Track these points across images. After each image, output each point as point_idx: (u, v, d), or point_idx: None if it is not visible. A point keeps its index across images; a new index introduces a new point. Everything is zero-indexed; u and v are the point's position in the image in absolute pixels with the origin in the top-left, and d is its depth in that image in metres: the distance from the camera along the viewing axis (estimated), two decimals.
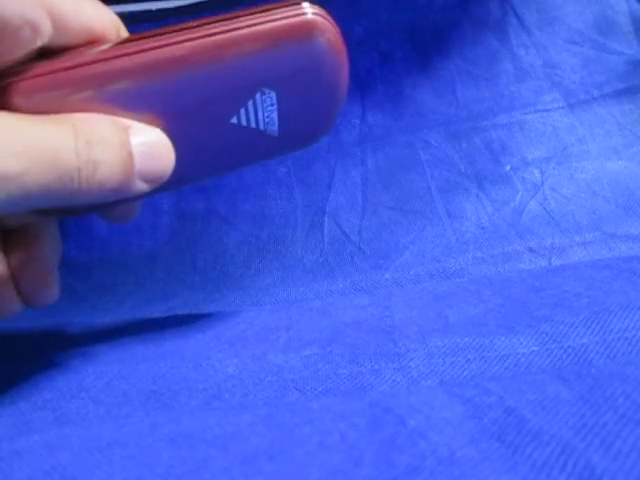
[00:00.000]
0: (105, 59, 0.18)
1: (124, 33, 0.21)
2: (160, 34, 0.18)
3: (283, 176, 0.36)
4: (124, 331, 0.26)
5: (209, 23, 0.19)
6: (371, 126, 0.37)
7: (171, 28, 0.19)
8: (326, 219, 0.34)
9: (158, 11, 0.32)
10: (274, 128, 0.21)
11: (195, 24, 0.19)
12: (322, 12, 0.20)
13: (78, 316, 0.31)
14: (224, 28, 0.19)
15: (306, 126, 0.22)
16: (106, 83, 0.18)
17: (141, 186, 0.19)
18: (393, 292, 0.28)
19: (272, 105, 0.20)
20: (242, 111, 0.20)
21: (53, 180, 0.16)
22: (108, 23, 0.19)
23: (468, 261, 0.31)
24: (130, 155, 0.18)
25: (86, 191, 0.17)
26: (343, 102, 0.22)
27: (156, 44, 0.18)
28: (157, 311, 0.31)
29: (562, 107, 0.36)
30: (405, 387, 0.18)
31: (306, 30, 0.19)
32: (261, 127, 0.20)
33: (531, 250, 0.31)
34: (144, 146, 0.18)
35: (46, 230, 0.22)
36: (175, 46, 0.18)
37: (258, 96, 0.20)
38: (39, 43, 0.17)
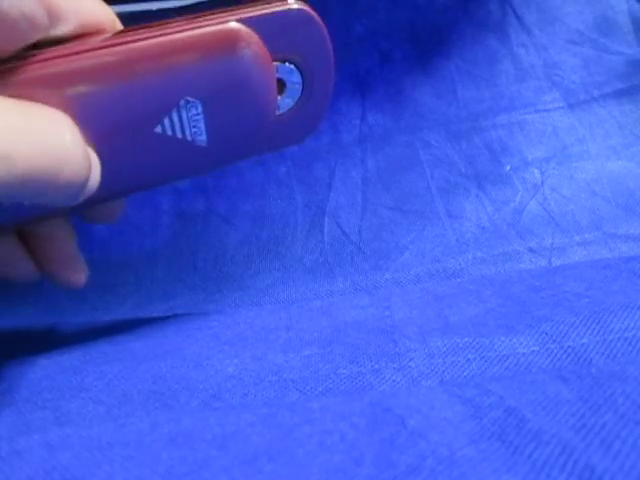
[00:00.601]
0: (44, 60, 0.17)
1: (120, 27, 0.20)
2: (105, 42, 0.18)
3: (283, 176, 0.36)
4: (124, 331, 0.26)
5: (136, 30, 0.18)
6: (371, 126, 0.37)
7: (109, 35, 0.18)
8: (326, 219, 0.34)
9: (158, 11, 0.32)
10: (202, 138, 0.20)
11: (125, 30, 0.19)
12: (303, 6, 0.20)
13: (78, 316, 0.31)
14: (147, 35, 0.18)
15: (237, 137, 0.21)
16: (37, 84, 0.17)
17: (82, 195, 0.18)
18: (393, 292, 0.28)
19: (198, 115, 0.19)
20: (166, 120, 0.19)
21: (43, 167, 0.15)
22: (104, 17, 0.19)
23: (468, 261, 0.31)
24: (89, 156, 0.18)
25: (63, 187, 0.16)
26: (273, 113, 0.21)
27: (78, 49, 0.17)
28: (157, 311, 0.31)
29: (562, 107, 0.36)
30: (405, 387, 0.18)
31: (229, 40, 0.19)
32: (188, 137, 0.20)
33: (531, 250, 0.31)
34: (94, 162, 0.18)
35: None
36: (95, 52, 0.18)
37: (182, 105, 0.19)
38: (35, 37, 0.17)
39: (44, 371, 0.22)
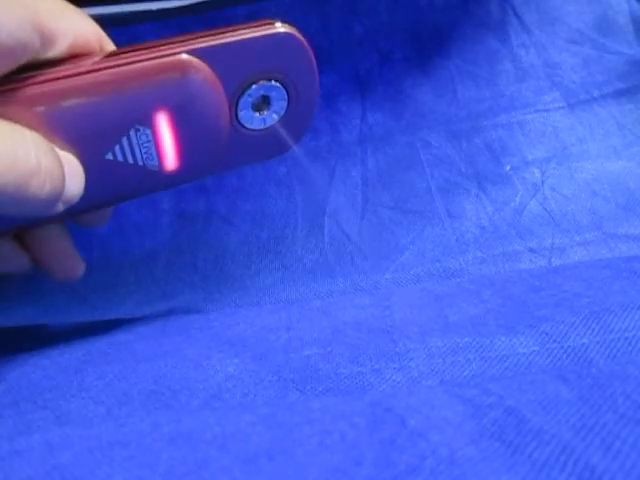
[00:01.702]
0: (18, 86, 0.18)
1: (108, 46, 0.21)
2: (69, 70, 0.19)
3: (283, 176, 0.36)
4: (124, 331, 0.26)
5: (107, 57, 0.19)
6: (371, 126, 0.37)
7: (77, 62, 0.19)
8: (326, 219, 0.34)
9: (158, 11, 0.32)
10: (154, 163, 0.21)
11: (108, 55, 0.20)
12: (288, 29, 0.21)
13: (78, 316, 0.31)
14: (100, 66, 0.19)
15: (192, 158, 0.22)
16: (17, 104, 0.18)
17: (59, 207, 0.19)
18: (393, 292, 0.28)
19: (148, 142, 0.20)
20: (117, 148, 0.20)
21: (11, 181, 0.16)
22: (92, 36, 0.20)
23: (468, 261, 0.31)
24: (62, 169, 0.18)
25: (33, 198, 0.17)
26: (225, 136, 0.22)
27: (43, 78, 0.18)
28: (157, 311, 0.31)
29: (562, 107, 0.36)
30: (405, 387, 0.18)
31: (178, 68, 0.20)
32: (139, 163, 0.21)
33: (531, 250, 0.31)
34: (66, 164, 0.19)
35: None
36: (48, 83, 0.18)
37: (132, 134, 0.20)
38: (25, 60, 0.17)
39: (44, 371, 0.22)
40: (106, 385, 0.20)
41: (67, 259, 0.24)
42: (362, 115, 0.37)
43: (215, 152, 0.22)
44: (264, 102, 0.22)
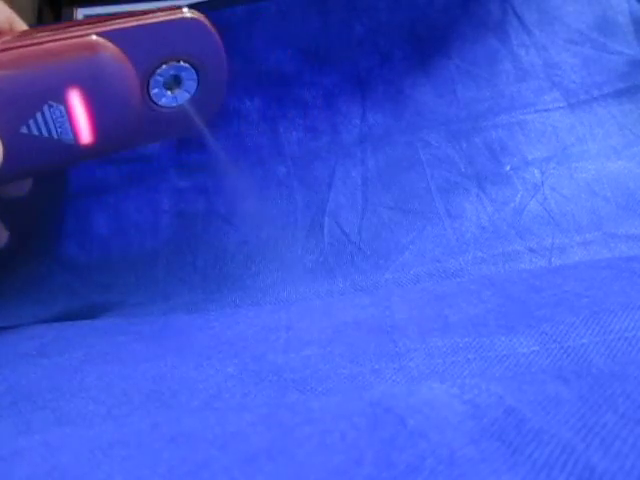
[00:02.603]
0: None
1: (18, 26, 0.23)
2: None
3: (283, 176, 0.36)
4: (124, 331, 0.26)
5: (20, 36, 0.21)
6: (371, 126, 0.37)
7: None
8: (326, 219, 0.34)
9: None
10: (69, 137, 0.22)
11: (18, 35, 0.21)
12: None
13: (78, 316, 0.31)
14: (10, 45, 0.20)
15: (107, 132, 0.23)
16: None
17: None
18: (393, 292, 0.28)
19: (62, 117, 0.22)
20: (31, 122, 0.21)
21: None
22: (1, 17, 0.21)
23: (468, 261, 0.31)
24: None
25: None
26: (137, 112, 0.24)
27: None
28: (157, 311, 0.31)
29: (562, 107, 0.36)
30: (405, 387, 0.18)
31: (87, 48, 0.21)
32: (55, 137, 0.22)
33: (531, 250, 0.31)
34: None
35: None
36: None
37: (46, 109, 0.21)
38: None
39: (44, 371, 0.22)
40: (106, 385, 0.20)
41: None
42: (362, 115, 0.37)
43: (129, 127, 0.24)
44: (175, 82, 0.24)
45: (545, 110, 0.36)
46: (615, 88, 0.36)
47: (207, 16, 0.24)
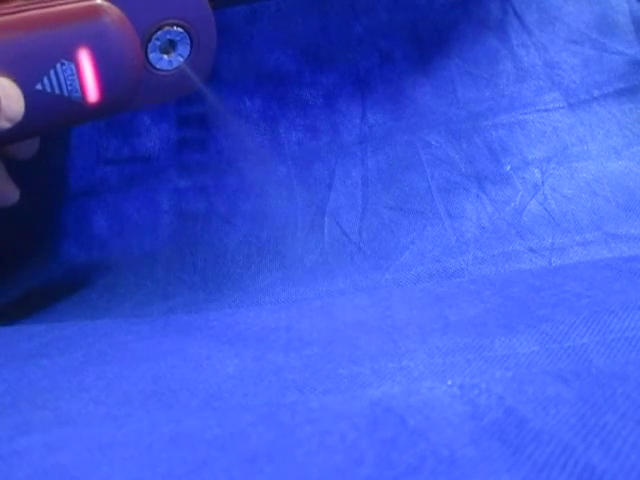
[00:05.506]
0: None
1: None
2: None
3: (283, 176, 0.36)
4: (124, 331, 0.26)
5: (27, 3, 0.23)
6: (371, 126, 0.37)
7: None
8: (326, 219, 0.34)
9: None
10: (78, 95, 0.24)
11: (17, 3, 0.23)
12: None
13: (78, 316, 0.31)
14: (23, 8, 0.22)
15: (110, 93, 0.25)
16: None
17: (4, 124, 0.22)
18: (393, 292, 0.28)
19: (72, 75, 0.24)
20: (45, 79, 0.23)
21: None
22: None
23: (468, 261, 0.31)
24: None
25: None
26: (139, 73, 0.25)
27: None
28: (157, 311, 0.31)
29: (562, 107, 0.36)
30: (405, 387, 0.18)
31: (93, 12, 0.23)
32: (65, 94, 0.24)
33: (531, 250, 0.31)
34: (2, 88, 0.21)
35: None
36: None
37: (59, 67, 0.23)
38: None
39: (44, 371, 0.22)
40: (106, 385, 0.20)
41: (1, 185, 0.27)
42: (362, 115, 0.37)
43: (131, 88, 0.26)
44: (170, 46, 0.26)
45: (545, 110, 0.36)
46: (615, 88, 0.36)
47: None
